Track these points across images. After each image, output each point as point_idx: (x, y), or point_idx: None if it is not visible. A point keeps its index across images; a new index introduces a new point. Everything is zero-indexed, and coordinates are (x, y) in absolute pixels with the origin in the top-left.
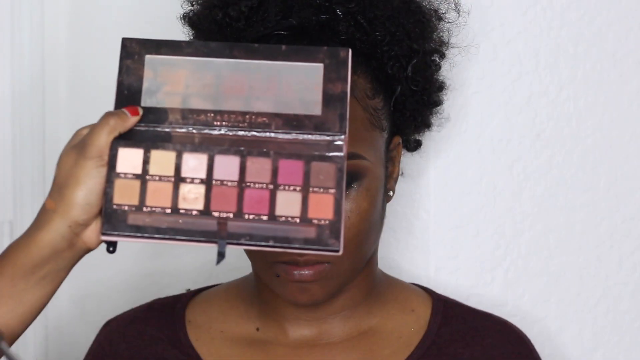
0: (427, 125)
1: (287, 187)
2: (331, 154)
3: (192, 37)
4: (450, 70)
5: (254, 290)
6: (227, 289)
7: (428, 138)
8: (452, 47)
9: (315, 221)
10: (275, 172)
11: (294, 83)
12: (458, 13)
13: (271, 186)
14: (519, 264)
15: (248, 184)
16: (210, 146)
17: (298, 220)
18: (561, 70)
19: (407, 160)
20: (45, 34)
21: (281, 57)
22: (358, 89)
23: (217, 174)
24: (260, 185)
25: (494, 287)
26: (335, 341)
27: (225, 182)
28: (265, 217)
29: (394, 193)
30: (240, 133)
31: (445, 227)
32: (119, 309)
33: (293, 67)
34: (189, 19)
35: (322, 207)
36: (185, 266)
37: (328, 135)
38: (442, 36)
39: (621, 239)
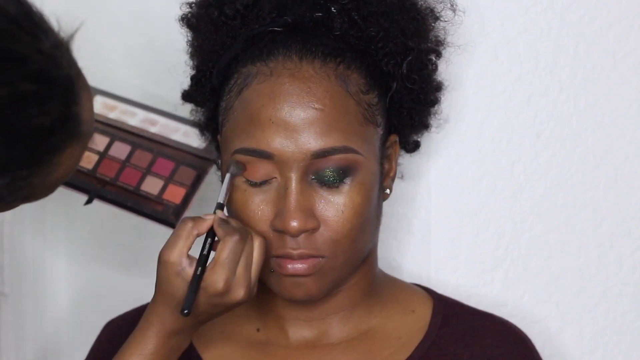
0: (425, 126)
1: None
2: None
3: (190, 39)
4: (447, 69)
5: None
6: None
7: (428, 138)
8: (449, 46)
9: (165, 201)
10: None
11: None
12: (454, 12)
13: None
14: (519, 264)
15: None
16: (115, 133)
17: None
18: (561, 70)
19: (407, 161)
20: None
21: None
22: (352, 83)
23: (111, 152)
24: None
25: (494, 287)
26: (335, 342)
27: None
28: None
29: (391, 191)
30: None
31: (445, 227)
32: (119, 309)
33: None
34: (187, 21)
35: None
36: None
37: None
38: (439, 36)
39: (621, 239)
